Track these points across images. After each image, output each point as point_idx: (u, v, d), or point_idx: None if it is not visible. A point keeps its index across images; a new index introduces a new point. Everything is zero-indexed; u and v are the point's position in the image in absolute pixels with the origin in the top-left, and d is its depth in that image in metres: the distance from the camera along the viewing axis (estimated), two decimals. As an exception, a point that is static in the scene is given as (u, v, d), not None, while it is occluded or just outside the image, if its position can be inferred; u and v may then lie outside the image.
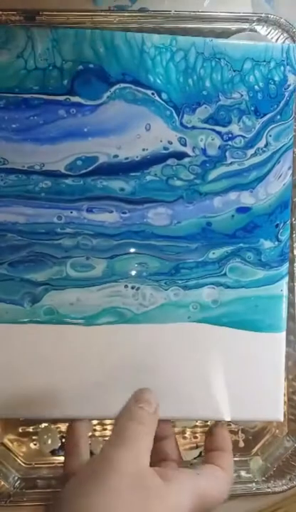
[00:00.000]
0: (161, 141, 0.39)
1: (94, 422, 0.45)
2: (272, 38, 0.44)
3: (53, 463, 0.45)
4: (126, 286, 0.38)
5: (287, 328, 0.40)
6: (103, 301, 0.38)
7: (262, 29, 0.44)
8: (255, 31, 0.44)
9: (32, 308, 0.38)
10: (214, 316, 0.39)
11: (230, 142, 0.39)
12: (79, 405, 0.38)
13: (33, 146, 0.38)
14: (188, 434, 0.46)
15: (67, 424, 0.44)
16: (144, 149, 0.38)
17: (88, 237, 0.38)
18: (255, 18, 0.43)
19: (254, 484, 0.44)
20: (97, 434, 0.45)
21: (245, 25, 0.44)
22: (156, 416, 0.32)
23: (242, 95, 0.39)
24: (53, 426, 0.45)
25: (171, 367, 0.38)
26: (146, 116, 0.38)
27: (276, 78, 0.39)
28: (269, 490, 0.43)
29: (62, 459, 0.45)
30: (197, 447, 0.46)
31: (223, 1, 0.46)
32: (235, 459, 0.46)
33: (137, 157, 0.38)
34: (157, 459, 0.35)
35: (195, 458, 0.45)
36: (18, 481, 0.43)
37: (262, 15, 0.43)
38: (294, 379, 0.44)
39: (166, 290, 0.39)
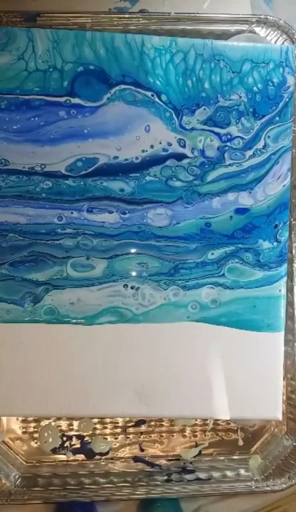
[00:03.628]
0: (160, 142, 0.39)
1: (95, 420, 0.45)
2: (271, 40, 0.44)
3: (54, 461, 0.45)
4: (126, 286, 0.39)
5: (285, 327, 0.40)
6: (103, 300, 0.39)
7: (261, 30, 0.44)
8: (255, 33, 0.44)
9: (33, 308, 0.38)
10: (213, 315, 0.39)
11: (228, 143, 0.39)
12: (79, 404, 0.38)
13: (33, 147, 0.38)
14: (187, 432, 0.46)
15: (67, 422, 0.45)
16: (143, 150, 0.39)
17: (88, 238, 0.39)
18: (254, 20, 0.44)
19: (253, 482, 0.44)
20: (97, 432, 0.45)
21: (245, 27, 0.44)
22: None
23: (240, 97, 0.39)
24: (53, 424, 0.45)
25: (171, 366, 0.39)
26: (145, 117, 0.39)
27: (275, 80, 0.39)
28: (268, 488, 0.43)
29: (62, 457, 0.45)
30: (197, 446, 0.46)
31: (222, 2, 0.46)
32: (235, 457, 0.46)
33: (137, 158, 0.39)
34: None
35: (194, 456, 0.45)
36: (19, 480, 0.44)
37: (262, 16, 0.43)
38: (293, 378, 0.44)
39: (165, 290, 0.39)
